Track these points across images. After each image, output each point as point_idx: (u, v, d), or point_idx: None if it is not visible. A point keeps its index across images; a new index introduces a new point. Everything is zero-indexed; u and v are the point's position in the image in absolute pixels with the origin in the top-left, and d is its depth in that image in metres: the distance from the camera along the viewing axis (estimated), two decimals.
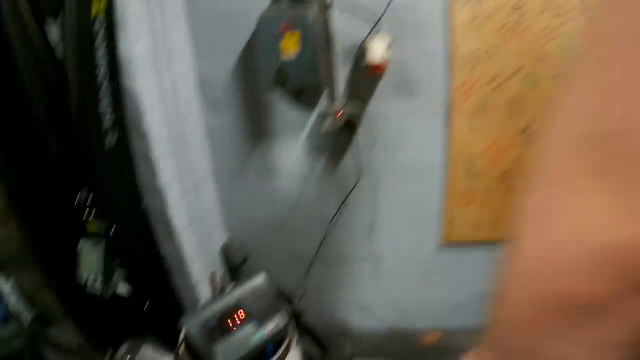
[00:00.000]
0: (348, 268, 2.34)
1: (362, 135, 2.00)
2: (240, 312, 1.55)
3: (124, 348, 2.13)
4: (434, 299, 2.35)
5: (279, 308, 1.61)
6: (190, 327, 1.48)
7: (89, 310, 2.18)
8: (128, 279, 1.95)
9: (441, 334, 2.45)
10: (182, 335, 1.61)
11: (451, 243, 2.23)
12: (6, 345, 2.56)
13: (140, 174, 1.84)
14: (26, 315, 2.59)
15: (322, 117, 1.94)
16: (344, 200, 2.11)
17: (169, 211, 1.90)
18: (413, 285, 2.34)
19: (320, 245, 2.20)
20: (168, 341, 2.12)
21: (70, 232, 1.94)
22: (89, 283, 1.87)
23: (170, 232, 1.97)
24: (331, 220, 2.17)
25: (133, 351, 2.08)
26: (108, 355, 2.31)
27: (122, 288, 2.01)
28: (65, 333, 2.38)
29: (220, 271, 2.30)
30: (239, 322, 1.55)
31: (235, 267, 2.28)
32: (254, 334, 1.54)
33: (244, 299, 1.56)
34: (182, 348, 1.69)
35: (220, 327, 1.52)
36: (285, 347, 1.61)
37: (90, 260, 1.87)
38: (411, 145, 2.02)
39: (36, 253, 2.18)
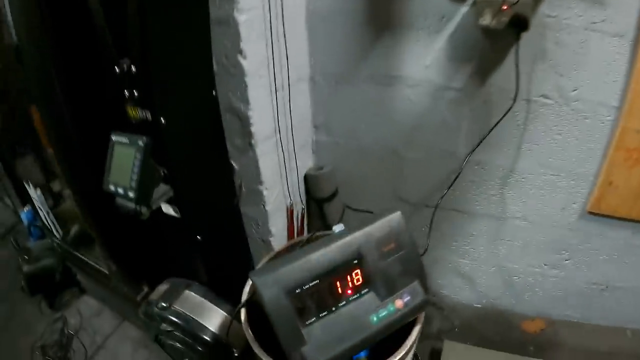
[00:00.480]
0: (461, 224, 1.70)
1: (525, 45, 1.29)
2: (356, 274, 0.92)
3: (162, 288, 1.55)
4: (553, 279, 1.72)
5: (418, 272, 0.98)
6: (265, 287, 0.85)
7: (120, 233, 1.59)
8: (175, 199, 1.33)
9: (546, 324, 1.83)
10: (246, 294, 1.01)
11: (599, 214, 1.56)
12: (40, 262, 2.09)
13: (214, 42, 1.20)
14: (57, 233, 2.06)
15: (481, 5, 1.22)
16: (486, 135, 1.43)
17: (247, 110, 1.26)
18: (535, 258, 1.70)
19: (446, 192, 1.53)
20: (221, 289, 1.54)
21: (103, 122, 1.31)
22: (119, 195, 1.26)
23: (243, 140, 1.33)
24: (465, 159, 1.49)
25: (173, 294, 1.51)
26: (142, 293, 1.75)
27: (167, 209, 1.39)
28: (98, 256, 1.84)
29: (300, 204, 1.66)
30: (351, 290, 0.93)
31: (319, 200, 1.64)
32: (377, 311, 0.92)
33: (364, 251, 0.92)
34: (243, 314, 1.08)
35: (318, 295, 0.89)
36: (415, 336, 0.99)
37: (122, 163, 1.24)
38: (583, 73, 1.31)
39: (59, 148, 1.57)
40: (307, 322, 0.88)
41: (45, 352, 1.95)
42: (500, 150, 1.48)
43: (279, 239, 1.61)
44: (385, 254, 0.94)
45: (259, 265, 1.18)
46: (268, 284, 0.86)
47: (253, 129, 1.29)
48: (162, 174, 1.31)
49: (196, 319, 1.47)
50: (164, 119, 1.17)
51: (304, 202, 1.72)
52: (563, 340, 1.74)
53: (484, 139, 1.42)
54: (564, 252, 1.64)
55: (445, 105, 1.44)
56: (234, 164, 1.45)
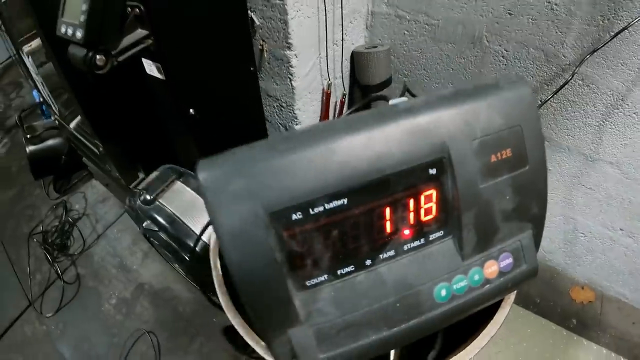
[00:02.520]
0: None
1: None
2: (428, 199, 0.36)
3: (152, 176, 1.05)
4: (622, 248, 1.16)
5: (537, 215, 0.41)
6: (225, 200, 0.30)
7: (101, 102, 1.06)
8: (158, 54, 0.77)
9: (595, 297, 1.28)
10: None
11: None
12: (45, 143, 1.61)
13: None
14: (54, 107, 1.55)
15: None
16: (607, 42, 0.79)
17: None
18: (612, 218, 1.13)
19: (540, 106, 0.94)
20: None
21: None
22: (71, 39, 0.71)
23: None
24: (573, 69, 0.88)
25: (160, 185, 1.00)
26: (137, 181, 1.27)
27: (150, 68, 0.84)
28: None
29: (341, 89, 1.09)
30: (409, 230, 0.36)
31: (367, 88, 1.05)
32: (450, 279, 0.37)
33: (455, 153, 0.35)
34: (213, 239, 0.55)
35: (341, 230, 0.33)
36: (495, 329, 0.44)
37: None
38: None
39: None
40: (307, 284, 0.35)
41: (45, 238, 1.54)
42: (616, 68, 0.84)
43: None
44: (492, 167, 0.36)
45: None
46: (231, 192, 0.31)
47: None
48: (136, 11, 0.73)
49: (182, 220, 0.98)
50: None
51: (347, 87, 1.13)
52: (609, 322, 1.23)
53: (601, 47, 0.78)
54: None
55: None
56: (253, 17, 0.86)
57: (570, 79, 0.86)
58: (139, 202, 1.03)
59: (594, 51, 0.83)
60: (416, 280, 0.36)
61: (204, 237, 0.91)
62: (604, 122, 0.97)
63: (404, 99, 0.41)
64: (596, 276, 1.26)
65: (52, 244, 1.52)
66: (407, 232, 0.36)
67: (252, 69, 0.96)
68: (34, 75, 1.44)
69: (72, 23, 0.70)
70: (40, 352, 1.31)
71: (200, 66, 0.86)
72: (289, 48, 0.90)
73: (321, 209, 0.33)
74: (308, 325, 0.36)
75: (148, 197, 1.01)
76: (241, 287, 0.33)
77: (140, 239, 1.50)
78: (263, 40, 0.93)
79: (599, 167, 1.04)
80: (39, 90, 1.56)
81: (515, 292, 0.48)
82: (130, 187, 1.26)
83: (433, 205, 0.36)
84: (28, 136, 1.56)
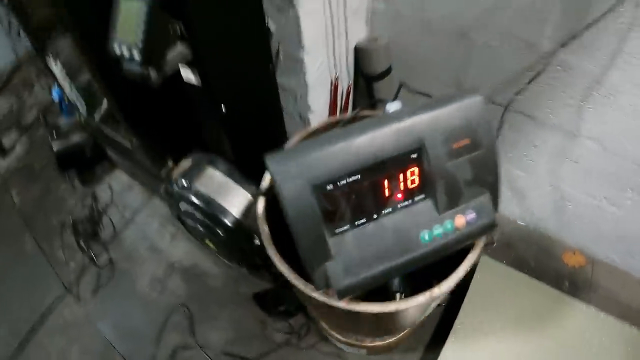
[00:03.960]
0: (526, 131, 1.33)
1: None
2: (412, 173, 0.60)
3: (184, 164, 1.29)
4: (609, 215, 1.37)
5: (492, 183, 0.65)
6: (285, 177, 0.55)
7: (137, 102, 1.30)
8: (195, 62, 1.00)
9: (586, 261, 1.52)
10: (265, 183, 0.71)
11: None
12: (69, 139, 1.86)
13: None
14: (81, 107, 1.79)
15: None
16: (581, 32, 1.00)
17: None
18: (596, 188, 1.35)
19: (520, 91, 1.15)
20: (250, 168, 1.27)
21: None
22: (125, 58, 0.93)
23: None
24: (549, 56, 1.09)
25: (195, 171, 1.25)
26: (166, 169, 1.50)
27: (186, 74, 1.07)
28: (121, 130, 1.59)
29: (347, 80, 1.32)
30: (401, 194, 0.61)
31: (369, 78, 1.28)
32: (430, 227, 0.61)
33: (428, 142, 0.59)
34: (261, 206, 0.79)
35: (357, 195, 0.58)
36: (465, 268, 0.69)
37: (128, 18, 0.90)
38: None
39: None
40: (336, 231, 0.59)
41: (76, 228, 1.79)
42: (592, 54, 1.05)
43: (319, 116, 1.30)
44: (454, 151, 0.60)
45: (286, 145, 0.87)
46: (289, 174, 0.55)
47: None
48: (179, 30, 0.96)
49: (217, 200, 1.22)
50: None
51: (352, 78, 1.36)
52: (599, 284, 1.45)
53: (576, 35, 1.00)
54: (630, 190, 1.26)
55: None
56: (270, 24, 1.09)
57: (548, 65, 1.07)
58: (176, 188, 1.27)
59: (568, 40, 1.04)
60: (407, 227, 0.61)
61: (236, 214, 1.16)
62: (582, 102, 1.18)
63: (397, 103, 0.65)
64: (586, 242, 1.49)
65: (84, 233, 1.77)
66: (399, 195, 0.61)
67: (270, 67, 1.19)
68: (59, 78, 1.67)
69: (126, 41, 0.92)
70: (82, 333, 1.54)
71: (229, 70, 1.09)
72: (302, 48, 1.12)
73: (344, 182, 0.57)
74: (337, 260, 0.60)
75: (185, 183, 1.26)
76: (296, 234, 0.58)
77: (168, 222, 1.75)
78: (279, 43, 1.15)
79: (581, 142, 1.26)
80: (63, 90, 1.80)
81: (483, 241, 0.72)
82: (161, 174, 1.50)
83: (416, 177, 0.60)
84: (54, 134, 1.80)
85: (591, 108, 1.16)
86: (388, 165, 0.57)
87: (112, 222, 1.79)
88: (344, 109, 1.38)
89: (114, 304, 1.60)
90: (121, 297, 1.61)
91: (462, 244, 0.65)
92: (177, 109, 1.26)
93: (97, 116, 1.69)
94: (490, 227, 0.66)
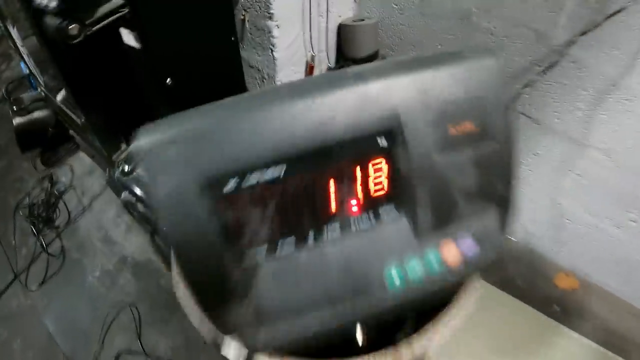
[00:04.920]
0: (528, 135, 1.08)
1: None
2: (377, 170, 0.33)
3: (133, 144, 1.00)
4: (609, 237, 1.13)
5: (503, 193, 0.38)
6: (161, 169, 0.27)
7: (79, 71, 1.02)
8: (134, 22, 0.74)
9: (579, 285, 1.27)
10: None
11: None
12: (31, 115, 1.57)
13: None
14: (39, 77, 1.51)
15: None
16: (599, 25, 0.74)
17: None
18: (599, 206, 1.10)
19: (522, 89, 0.90)
20: None
21: None
22: (45, 9, 0.67)
23: None
24: (562, 50, 0.84)
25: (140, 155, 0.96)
26: (119, 152, 1.24)
27: (127, 37, 0.81)
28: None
29: (326, 62, 1.05)
30: (357, 206, 0.34)
31: (352, 62, 1.02)
32: (402, 262, 0.34)
33: (408, 122, 0.32)
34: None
35: (283, 201, 0.31)
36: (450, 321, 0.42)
37: None
38: None
39: None
40: (245, 258, 0.32)
41: (31, 211, 1.52)
42: (609, 52, 0.80)
43: None
44: (449, 140, 0.33)
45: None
46: (167, 162, 0.28)
47: None
48: None
49: None
50: None
51: (333, 60, 1.09)
52: (591, 310, 1.21)
53: (593, 29, 0.75)
54: (634, 211, 0.99)
55: None
56: None
57: (559, 60, 0.82)
58: (117, 173, 1.00)
59: (584, 33, 0.79)
60: (364, 261, 0.34)
61: None
62: (594, 107, 0.93)
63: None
64: (582, 264, 1.24)
65: (38, 217, 1.51)
66: (354, 206, 0.34)
67: (232, 38, 0.91)
68: (19, 47, 1.39)
69: None
70: (24, 326, 1.32)
71: (178, 35, 0.83)
72: (270, 18, 0.85)
73: (259, 178, 0.30)
74: (248, 300, 0.33)
75: (126, 167, 0.98)
76: (179, 260, 0.31)
77: (125, 213, 1.48)
78: (245, 10, 0.89)
79: (588, 153, 1.01)
80: (25, 62, 1.51)
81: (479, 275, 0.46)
82: (113, 158, 1.23)
83: (384, 178, 0.33)
84: (15, 108, 1.52)
85: (603, 114, 0.92)
86: (335, 155, 0.30)
87: (67, 208, 1.52)
88: None
89: (61, 296, 1.35)
90: (69, 289, 1.36)
91: (451, 287, 0.39)
92: (125, 82, 0.99)
93: (56, 90, 1.42)
94: (493, 261, 0.40)
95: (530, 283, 1.27)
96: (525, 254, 1.31)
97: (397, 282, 0.32)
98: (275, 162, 0.29)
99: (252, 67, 1.00)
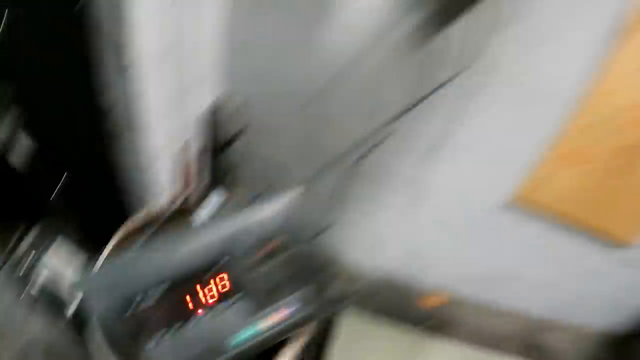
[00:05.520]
0: (377, 186, 1.37)
1: None
2: (221, 279, 0.56)
3: (29, 238, 1.11)
4: (462, 258, 1.44)
5: (311, 276, 0.63)
6: (94, 300, 0.48)
7: None
8: (29, 126, 0.88)
9: (445, 301, 1.58)
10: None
11: (521, 206, 1.29)
12: None
13: None
14: None
15: None
16: (427, 96, 1.05)
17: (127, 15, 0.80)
18: (447, 235, 1.41)
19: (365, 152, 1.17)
20: (98, 238, 1.11)
21: None
22: None
23: (123, 58, 0.89)
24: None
25: (40, 246, 1.08)
26: (12, 243, 1.25)
27: (22, 142, 0.94)
28: None
29: (196, 145, 1.16)
30: (214, 300, 0.57)
31: (221, 143, 1.10)
32: (237, 331, 0.58)
33: (236, 251, 0.56)
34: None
35: (169, 307, 0.53)
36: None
37: None
38: (549, 47, 0.98)
39: None
40: (150, 341, 0.53)
41: None
42: (435, 114, 1.11)
43: (165, 188, 1.18)
44: (265, 255, 0.58)
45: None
46: (101, 293, 0.48)
47: (137, 40, 0.83)
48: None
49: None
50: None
51: (204, 145, 1.21)
52: (459, 320, 1.50)
53: (420, 99, 1.07)
54: (476, 235, 1.35)
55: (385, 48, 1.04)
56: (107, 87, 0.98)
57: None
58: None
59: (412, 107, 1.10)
60: (217, 332, 0.56)
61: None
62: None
63: (213, 203, 0.61)
64: (443, 283, 1.52)
65: None
66: (211, 301, 0.56)
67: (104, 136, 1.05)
68: None
69: None
70: None
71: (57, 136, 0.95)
72: (140, 119, 1.03)
73: (153, 295, 0.51)
74: None
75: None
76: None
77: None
78: (117, 111, 1.04)
79: (430, 192, 1.31)
80: None
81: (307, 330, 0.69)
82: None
83: (227, 282, 0.56)
84: None
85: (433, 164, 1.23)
86: (196, 275, 0.53)
87: None
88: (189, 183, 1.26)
89: None
90: None
91: (278, 339, 0.62)
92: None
93: None
94: (308, 319, 0.64)
95: (401, 308, 1.55)
96: (393, 284, 1.60)
97: (235, 342, 0.55)
98: (165, 285, 0.51)
99: (126, 161, 1.13)
